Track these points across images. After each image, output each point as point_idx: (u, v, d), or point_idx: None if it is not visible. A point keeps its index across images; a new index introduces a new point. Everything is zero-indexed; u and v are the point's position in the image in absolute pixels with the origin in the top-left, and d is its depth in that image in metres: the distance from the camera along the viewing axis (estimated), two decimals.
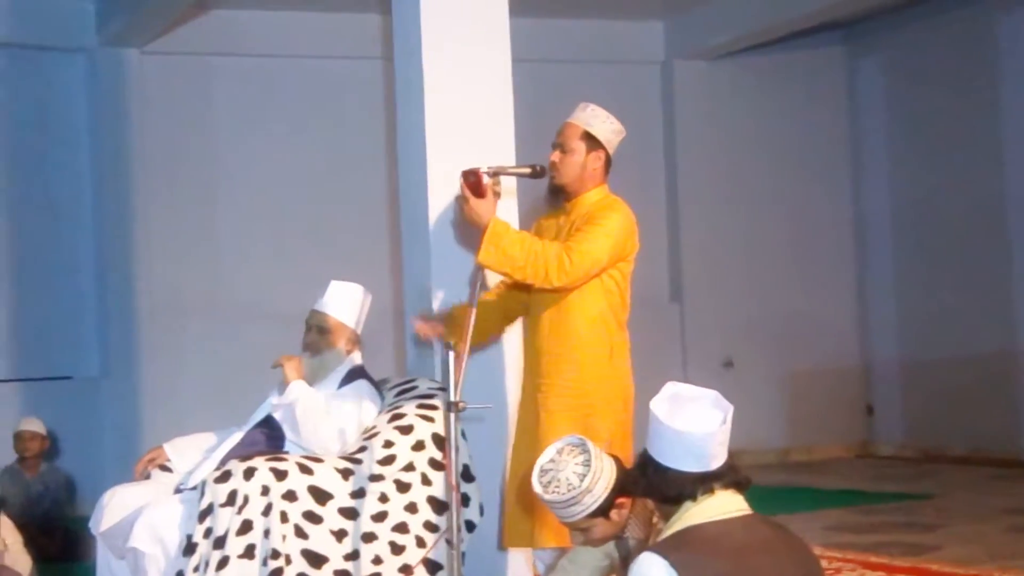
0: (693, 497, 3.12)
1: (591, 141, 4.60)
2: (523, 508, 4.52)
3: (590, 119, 4.62)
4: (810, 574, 3.15)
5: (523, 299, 4.77)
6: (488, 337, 4.98)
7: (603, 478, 3.50)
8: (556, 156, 4.62)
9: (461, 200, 4.47)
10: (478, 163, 4.52)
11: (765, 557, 3.04)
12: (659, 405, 3.14)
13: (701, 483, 3.12)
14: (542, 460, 3.55)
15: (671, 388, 3.19)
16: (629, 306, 4.66)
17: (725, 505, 3.12)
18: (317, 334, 5.12)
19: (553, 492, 3.49)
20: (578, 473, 3.49)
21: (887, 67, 11.94)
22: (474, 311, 4.33)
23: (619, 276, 4.59)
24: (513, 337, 5.23)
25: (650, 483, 3.18)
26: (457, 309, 4.90)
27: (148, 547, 4.60)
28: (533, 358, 4.67)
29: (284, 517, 4.57)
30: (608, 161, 4.66)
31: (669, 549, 3.01)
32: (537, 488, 3.51)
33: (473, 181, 4.42)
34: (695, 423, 3.10)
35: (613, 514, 3.55)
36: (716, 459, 3.13)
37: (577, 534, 3.65)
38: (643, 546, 3.48)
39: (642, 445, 3.23)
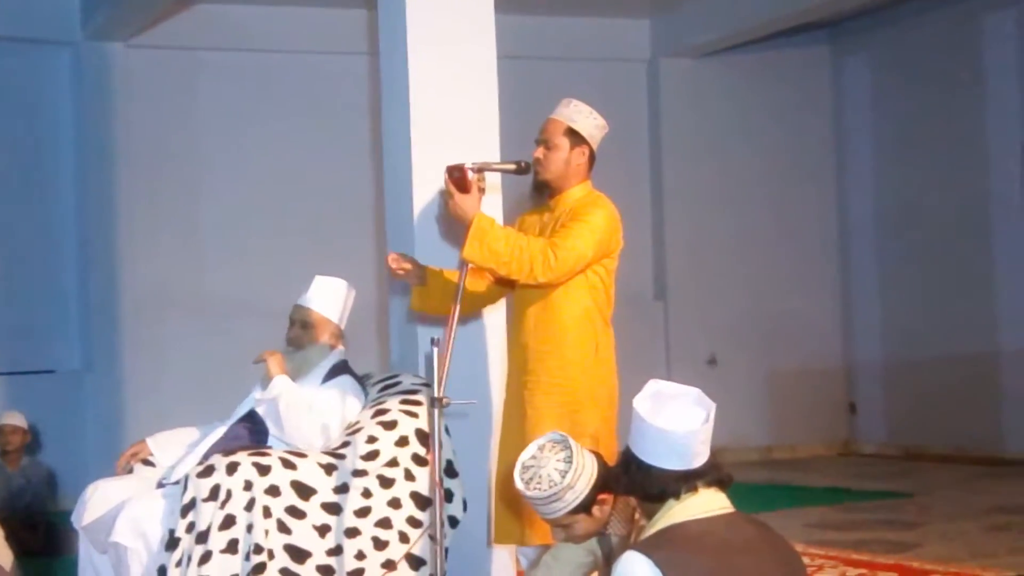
0: (676, 495, 3.12)
1: (575, 137, 4.59)
2: (511, 506, 4.52)
3: (573, 115, 4.61)
4: (792, 572, 3.16)
5: (504, 289, 4.77)
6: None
7: (585, 474, 3.50)
8: (540, 152, 4.62)
9: (446, 195, 4.46)
10: (463, 159, 4.51)
11: (748, 556, 3.05)
12: (642, 403, 3.14)
13: (684, 481, 3.12)
14: (524, 457, 3.56)
15: (653, 386, 3.19)
16: (614, 303, 4.66)
17: (708, 503, 3.12)
18: (300, 329, 5.11)
19: (535, 488, 3.49)
20: (559, 469, 3.49)
21: (873, 66, 11.96)
22: (457, 307, 4.32)
23: (604, 272, 4.59)
24: (498, 333, 5.23)
25: (633, 481, 3.18)
26: (432, 274, 4.80)
27: (130, 541, 4.59)
28: (518, 354, 4.66)
29: (267, 512, 4.56)
30: (592, 157, 4.65)
31: (652, 547, 3.01)
32: (519, 484, 3.51)
33: (458, 177, 4.41)
34: (678, 421, 3.10)
35: (595, 510, 3.54)
36: (699, 457, 3.13)
37: (559, 531, 3.64)
38: (625, 543, 3.49)
39: (625, 442, 3.23)
